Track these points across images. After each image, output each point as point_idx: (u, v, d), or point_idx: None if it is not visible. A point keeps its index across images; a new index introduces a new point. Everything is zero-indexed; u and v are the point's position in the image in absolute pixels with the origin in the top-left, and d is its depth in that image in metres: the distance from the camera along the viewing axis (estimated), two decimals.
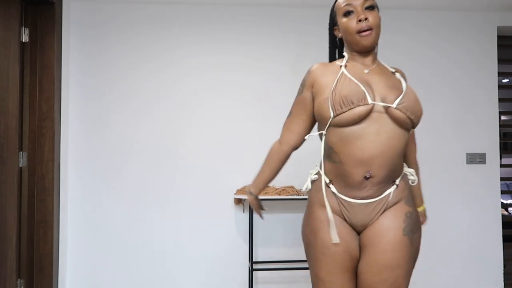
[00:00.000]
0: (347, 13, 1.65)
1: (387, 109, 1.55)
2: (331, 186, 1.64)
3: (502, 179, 3.71)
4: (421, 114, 1.61)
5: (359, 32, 1.61)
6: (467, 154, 3.59)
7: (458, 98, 3.63)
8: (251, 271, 3.22)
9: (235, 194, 3.33)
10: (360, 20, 1.60)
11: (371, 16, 1.61)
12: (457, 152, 3.60)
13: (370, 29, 1.60)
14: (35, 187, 3.03)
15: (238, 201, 3.43)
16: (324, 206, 1.63)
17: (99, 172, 3.40)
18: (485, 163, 3.60)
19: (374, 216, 1.60)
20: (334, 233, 1.59)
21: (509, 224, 3.92)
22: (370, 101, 1.54)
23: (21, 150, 2.97)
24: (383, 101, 1.56)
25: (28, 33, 3.01)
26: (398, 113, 1.55)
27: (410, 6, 3.57)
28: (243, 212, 3.45)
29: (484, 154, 3.60)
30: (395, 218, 1.60)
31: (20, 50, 2.91)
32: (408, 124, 1.58)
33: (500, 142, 3.65)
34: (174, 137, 3.45)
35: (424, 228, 3.52)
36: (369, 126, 1.54)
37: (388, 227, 1.58)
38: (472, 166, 3.59)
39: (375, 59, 1.70)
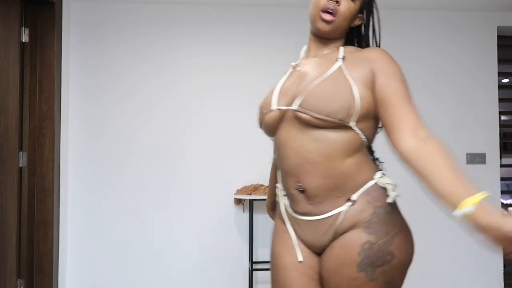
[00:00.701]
0: None
1: (293, 113, 1.33)
2: (285, 198, 1.43)
3: (502, 179, 3.71)
4: (339, 108, 1.26)
5: (323, 10, 1.39)
6: (467, 154, 3.59)
7: (458, 98, 3.62)
8: (251, 271, 3.22)
9: (235, 194, 3.33)
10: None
11: (344, 3, 1.38)
12: (457, 152, 3.60)
13: (334, 14, 1.38)
14: (35, 187, 3.03)
15: (238, 201, 3.43)
16: (281, 219, 1.46)
17: (99, 172, 3.40)
18: (485, 163, 3.60)
19: (324, 239, 1.32)
20: (299, 252, 1.38)
21: None
22: (273, 107, 1.39)
23: (21, 150, 2.97)
24: (291, 103, 1.35)
25: (28, 33, 3.01)
26: (302, 116, 1.30)
27: (410, 6, 3.57)
28: (243, 212, 3.45)
29: (484, 154, 3.60)
30: (346, 249, 1.26)
31: (20, 50, 2.91)
32: (322, 124, 1.28)
33: (500, 142, 3.65)
34: (174, 137, 3.45)
35: (424, 228, 3.54)
36: (286, 133, 1.35)
37: (339, 262, 1.27)
38: (472, 166, 3.59)
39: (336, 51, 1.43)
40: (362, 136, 1.32)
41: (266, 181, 3.34)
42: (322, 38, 1.45)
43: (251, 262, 3.24)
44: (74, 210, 3.37)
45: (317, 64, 1.42)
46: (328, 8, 1.38)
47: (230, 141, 3.47)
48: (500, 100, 3.69)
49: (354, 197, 1.29)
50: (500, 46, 3.70)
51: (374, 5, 1.48)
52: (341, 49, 1.42)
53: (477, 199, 1.04)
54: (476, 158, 3.58)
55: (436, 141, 1.23)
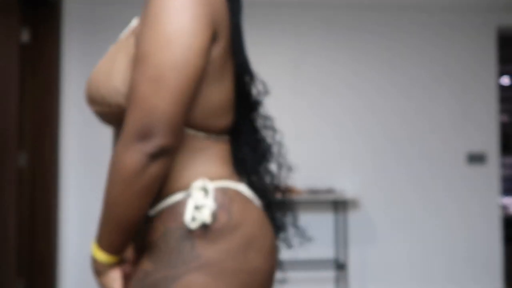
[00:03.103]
0: None
1: None
2: None
3: (502, 179, 3.71)
4: (113, 91, 0.86)
5: None
6: (467, 154, 3.59)
7: (458, 98, 3.62)
8: None
9: None
10: None
11: None
12: (457, 152, 3.60)
13: None
14: (35, 187, 3.03)
15: None
16: None
17: (99, 172, 3.39)
18: (485, 163, 3.60)
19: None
20: None
21: (509, 224, 3.92)
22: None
23: (21, 150, 2.97)
24: None
25: (28, 33, 3.01)
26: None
27: (410, 6, 3.57)
28: None
29: (484, 154, 3.60)
30: (129, 277, 0.96)
31: (20, 50, 2.91)
32: (108, 116, 0.92)
33: (500, 142, 3.64)
34: None
35: (424, 228, 3.54)
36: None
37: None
38: (472, 166, 3.59)
39: None
40: None
41: None
42: None
43: None
44: (74, 210, 3.37)
45: (128, 36, 1.01)
46: None
47: None
48: (500, 100, 3.69)
49: (151, 211, 0.89)
50: (500, 46, 3.70)
51: None
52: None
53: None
54: (476, 158, 3.58)
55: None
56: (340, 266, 3.38)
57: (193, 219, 0.84)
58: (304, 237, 1.14)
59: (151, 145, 0.78)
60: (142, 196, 0.81)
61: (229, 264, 0.84)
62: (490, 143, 3.61)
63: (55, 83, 3.10)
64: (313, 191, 3.32)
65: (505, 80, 4.55)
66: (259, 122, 1.12)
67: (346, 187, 3.47)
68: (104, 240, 0.86)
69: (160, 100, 0.78)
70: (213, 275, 0.83)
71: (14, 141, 2.83)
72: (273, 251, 0.93)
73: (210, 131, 0.91)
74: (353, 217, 3.49)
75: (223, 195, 0.87)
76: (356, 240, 3.49)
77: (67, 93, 3.36)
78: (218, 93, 0.90)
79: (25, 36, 2.99)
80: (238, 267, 0.84)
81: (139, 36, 0.86)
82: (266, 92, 1.11)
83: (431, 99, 3.60)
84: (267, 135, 1.12)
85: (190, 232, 0.84)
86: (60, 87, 3.20)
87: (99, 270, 0.93)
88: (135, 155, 0.78)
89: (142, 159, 0.78)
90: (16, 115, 2.83)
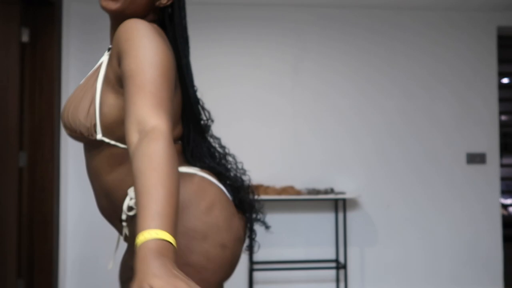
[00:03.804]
0: None
1: None
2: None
3: (502, 179, 3.71)
4: (80, 121, 1.07)
5: None
6: (467, 154, 3.59)
7: (458, 98, 3.62)
8: (251, 271, 3.22)
9: None
10: None
11: None
12: (457, 152, 3.60)
13: None
14: (35, 187, 3.03)
15: None
16: None
17: None
18: (485, 163, 3.60)
19: None
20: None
21: (509, 224, 3.92)
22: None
23: (21, 150, 2.97)
24: None
25: (28, 33, 3.01)
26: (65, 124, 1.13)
27: (410, 6, 3.57)
28: None
29: (484, 154, 3.60)
30: None
31: (20, 50, 2.91)
32: (80, 139, 1.12)
33: (500, 142, 3.65)
34: None
35: (424, 228, 3.54)
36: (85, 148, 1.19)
37: None
38: (472, 166, 3.59)
39: None
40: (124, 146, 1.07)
41: (265, 181, 3.34)
42: (117, 19, 1.11)
43: (251, 262, 3.24)
44: (74, 210, 3.37)
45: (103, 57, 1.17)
46: None
47: (230, 141, 3.46)
48: (500, 100, 3.69)
49: (123, 216, 1.13)
50: (500, 46, 3.70)
51: None
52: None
53: (147, 236, 0.75)
54: (476, 158, 3.58)
55: (153, 138, 0.87)
56: (340, 266, 3.38)
57: (129, 209, 1.09)
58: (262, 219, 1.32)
59: (165, 131, 0.89)
60: (176, 166, 0.88)
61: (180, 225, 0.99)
62: (490, 143, 3.62)
63: (55, 83, 3.10)
64: (313, 191, 3.32)
65: (505, 80, 4.55)
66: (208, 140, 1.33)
67: (346, 187, 3.47)
68: (172, 225, 0.78)
69: (166, 104, 0.95)
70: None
71: (14, 141, 2.83)
72: (209, 212, 1.09)
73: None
74: (353, 217, 3.49)
75: None
76: (356, 240, 3.49)
77: (67, 93, 3.36)
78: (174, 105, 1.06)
79: (25, 36, 2.99)
80: (181, 227, 0.99)
81: (124, 67, 0.99)
82: (211, 120, 1.33)
83: (431, 99, 3.60)
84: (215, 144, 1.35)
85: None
86: (60, 87, 3.20)
87: (168, 266, 0.73)
88: (160, 142, 0.87)
89: (168, 141, 0.88)
90: (16, 115, 2.84)
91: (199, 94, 1.28)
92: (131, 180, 1.00)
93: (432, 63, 3.63)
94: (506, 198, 6.05)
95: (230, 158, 1.32)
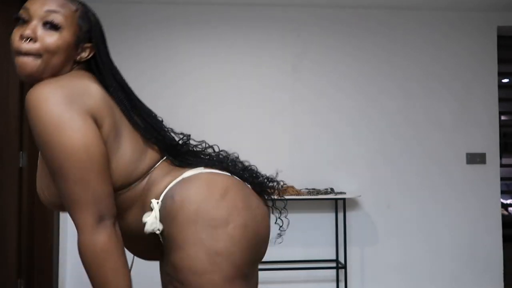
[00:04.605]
0: (19, 20, 1.20)
1: None
2: None
3: (502, 179, 3.71)
4: (38, 190, 1.25)
5: (17, 53, 1.12)
6: (467, 154, 3.59)
7: (458, 98, 3.62)
8: None
9: None
10: (22, 38, 1.11)
11: (47, 37, 1.09)
12: (457, 152, 3.60)
13: (33, 54, 1.10)
14: (35, 187, 3.03)
15: None
16: None
17: None
18: (485, 163, 3.60)
19: None
20: None
21: (509, 224, 3.92)
22: None
23: (21, 150, 2.97)
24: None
25: None
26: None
27: (410, 6, 3.57)
28: None
29: (484, 154, 3.60)
30: None
31: None
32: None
33: (500, 142, 3.65)
34: None
35: (424, 228, 3.54)
36: None
37: None
38: (472, 166, 3.59)
39: None
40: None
41: None
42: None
43: None
44: None
45: None
46: (20, 49, 1.11)
47: (229, 141, 3.46)
48: (500, 100, 3.69)
49: (159, 226, 1.16)
50: (500, 46, 3.70)
51: (98, 28, 1.19)
52: None
53: None
54: (476, 158, 3.58)
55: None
56: (340, 266, 3.38)
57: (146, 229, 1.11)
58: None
59: (109, 222, 1.01)
60: (123, 255, 1.04)
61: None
62: (490, 143, 3.61)
63: None
64: (314, 191, 3.32)
65: (505, 80, 4.55)
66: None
67: (346, 187, 3.47)
68: None
69: (93, 191, 1.00)
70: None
71: (14, 141, 2.83)
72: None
73: (143, 175, 1.14)
74: (353, 217, 3.50)
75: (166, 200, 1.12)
76: (356, 240, 3.50)
77: None
78: (124, 153, 1.10)
79: None
80: (201, 220, 1.08)
81: (46, 163, 1.05)
82: (186, 137, 1.40)
83: (431, 99, 3.60)
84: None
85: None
86: None
87: None
88: (102, 236, 1.00)
89: (111, 234, 1.01)
90: (16, 115, 2.84)
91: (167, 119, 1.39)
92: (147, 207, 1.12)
93: (432, 63, 3.63)
94: (506, 198, 6.05)
95: (224, 154, 1.39)
